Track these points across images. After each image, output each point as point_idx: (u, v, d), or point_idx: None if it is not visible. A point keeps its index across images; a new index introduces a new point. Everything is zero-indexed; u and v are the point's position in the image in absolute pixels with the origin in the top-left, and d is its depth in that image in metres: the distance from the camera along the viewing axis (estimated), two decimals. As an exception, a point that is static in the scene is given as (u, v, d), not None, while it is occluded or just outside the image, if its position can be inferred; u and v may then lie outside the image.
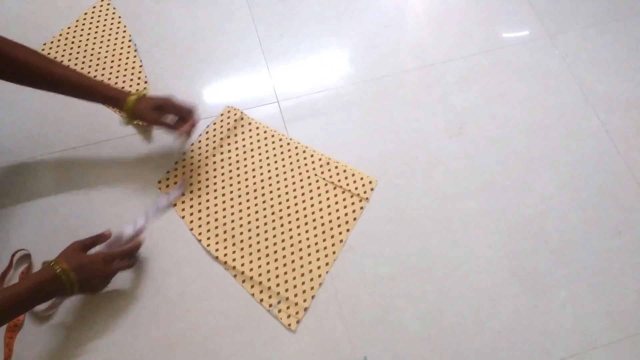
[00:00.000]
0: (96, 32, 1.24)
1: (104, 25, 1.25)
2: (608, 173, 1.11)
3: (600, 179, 1.10)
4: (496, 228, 1.05)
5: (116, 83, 1.17)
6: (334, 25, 1.28)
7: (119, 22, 1.25)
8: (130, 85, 1.17)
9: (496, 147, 1.13)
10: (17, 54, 0.90)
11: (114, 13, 1.26)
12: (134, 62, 1.20)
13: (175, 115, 1.02)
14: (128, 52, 1.21)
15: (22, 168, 1.07)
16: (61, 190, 1.05)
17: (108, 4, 1.27)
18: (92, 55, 1.20)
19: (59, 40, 1.22)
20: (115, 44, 1.22)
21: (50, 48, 1.20)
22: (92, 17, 1.26)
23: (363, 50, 1.26)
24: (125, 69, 1.19)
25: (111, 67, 1.19)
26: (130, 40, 1.23)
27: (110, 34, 1.24)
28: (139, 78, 1.18)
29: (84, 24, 1.24)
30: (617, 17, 1.31)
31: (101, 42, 1.22)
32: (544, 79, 1.22)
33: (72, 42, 1.22)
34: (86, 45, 1.22)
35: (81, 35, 1.23)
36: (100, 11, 1.26)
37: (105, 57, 1.20)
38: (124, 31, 1.24)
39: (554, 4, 1.33)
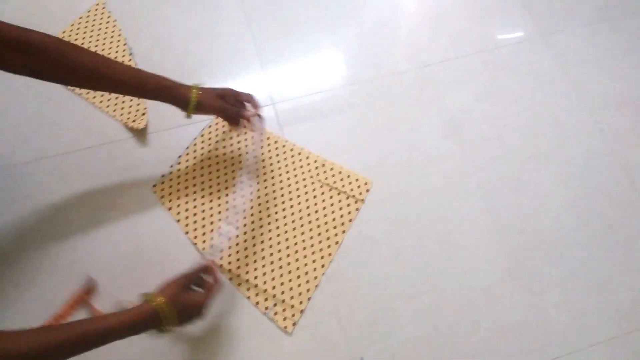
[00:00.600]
0: (91, 37, 1.24)
1: (99, 29, 1.25)
2: (602, 172, 1.12)
3: (594, 177, 1.11)
4: (491, 227, 1.05)
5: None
6: (329, 26, 1.29)
7: (114, 26, 1.25)
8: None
9: (491, 146, 1.14)
10: (84, 60, 0.87)
11: (109, 17, 1.26)
12: (129, 65, 1.20)
13: (235, 104, 1.00)
14: (123, 56, 1.21)
15: (17, 172, 1.07)
16: (56, 194, 1.05)
17: (103, 8, 1.28)
18: (87, 59, 1.20)
19: (54, 45, 1.22)
20: (110, 48, 1.22)
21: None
22: (87, 22, 1.26)
23: (358, 51, 1.26)
24: (121, 73, 1.19)
25: (106, 71, 1.19)
26: (125, 44, 1.23)
27: (105, 38, 1.24)
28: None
29: (79, 28, 1.25)
30: (610, 16, 1.32)
31: (96, 46, 1.22)
32: (538, 78, 1.23)
33: (68, 46, 1.22)
34: (81, 49, 1.22)
35: (76, 40, 1.23)
36: (95, 15, 1.27)
37: (101, 61, 1.20)
38: (119, 35, 1.24)
39: (547, 4, 1.33)
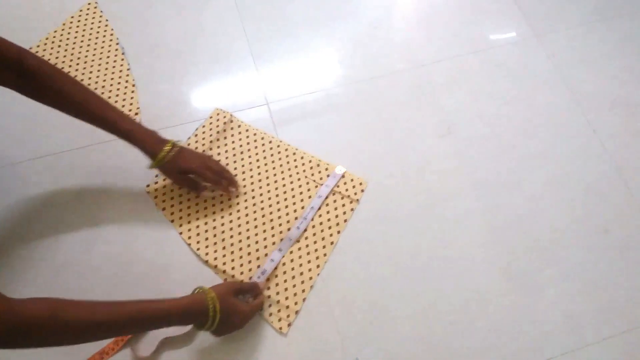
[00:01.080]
0: (83, 36, 1.23)
1: (91, 28, 1.24)
2: (596, 171, 1.12)
3: (588, 177, 1.11)
4: (486, 227, 1.05)
5: (103, 86, 1.16)
6: (323, 26, 1.29)
7: (106, 26, 1.24)
8: (118, 89, 1.16)
9: (485, 146, 1.14)
10: (72, 90, 0.90)
11: (100, 16, 1.26)
12: (121, 65, 1.19)
13: (208, 179, 1.02)
14: (115, 56, 1.20)
15: (9, 172, 1.06)
16: (49, 194, 1.04)
17: (95, 7, 1.27)
18: (79, 58, 1.20)
19: (45, 44, 1.21)
20: (102, 48, 1.22)
21: (37, 52, 1.19)
22: (79, 21, 1.25)
23: (352, 51, 1.26)
24: (113, 72, 1.18)
25: (98, 71, 1.18)
26: (117, 44, 1.22)
27: (97, 37, 1.23)
28: (127, 81, 1.17)
29: (70, 27, 1.24)
30: (603, 17, 1.32)
31: (88, 45, 1.22)
32: (532, 78, 1.23)
33: (59, 46, 1.21)
34: (73, 48, 1.21)
35: (68, 39, 1.22)
36: (87, 14, 1.26)
37: (93, 60, 1.20)
38: (111, 34, 1.23)
39: (540, 4, 1.34)
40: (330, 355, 0.93)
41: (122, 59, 1.20)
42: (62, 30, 1.23)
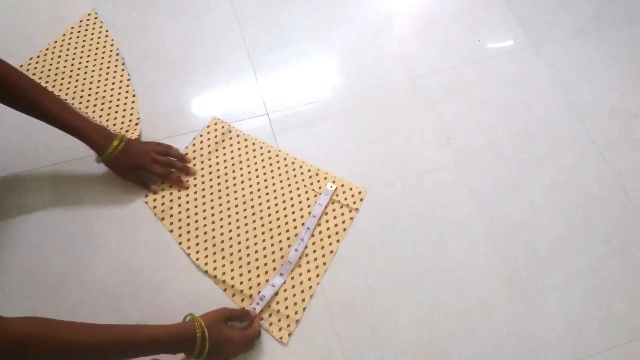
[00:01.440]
0: (83, 47, 1.23)
1: (91, 39, 1.24)
2: (595, 181, 1.12)
3: (587, 186, 1.11)
4: (486, 236, 1.05)
5: (104, 97, 1.16)
6: (322, 36, 1.29)
7: (106, 36, 1.25)
8: (119, 99, 1.16)
9: (484, 156, 1.14)
10: (10, 78, 0.90)
11: (101, 27, 1.26)
12: (121, 75, 1.19)
13: (156, 174, 1.03)
14: (116, 66, 1.21)
15: (9, 183, 1.06)
16: (49, 205, 1.04)
17: (95, 18, 1.27)
18: (79, 69, 1.20)
19: (45, 55, 1.21)
20: (102, 58, 1.22)
21: (37, 62, 1.20)
22: (79, 31, 1.25)
23: (351, 61, 1.26)
24: (113, 83, 1.18)
25: (99, 81, 1.18)
26: (117, 54, 1.22)
27: (97, 48, 1.23)
28: (127, 92, 1.17)
29: (70, 38, 1.24)
30: (600, 27, 1.33)
31: (88, 56, 1.22)
32: (530, 88, 1.24)
33: (59, 57, 1.21)
34: (73, 59, 1.21)
35: (68, 50, 1.22)
36: (87, 25, 1.26)
37: (93, 71, 1.20)
38: (112, 45, 1.24)
39: (538, 14, 1.35)
40: (331, 365, 0.92)
41: (123, 69, 1.20)
42: (63, 40, 1.24)
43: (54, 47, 1.22)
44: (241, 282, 0.98)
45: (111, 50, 1.23)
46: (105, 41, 1.24)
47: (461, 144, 1.15)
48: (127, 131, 1.11)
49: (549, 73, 1.26)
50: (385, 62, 1.26)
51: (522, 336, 0.96)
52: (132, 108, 1.15)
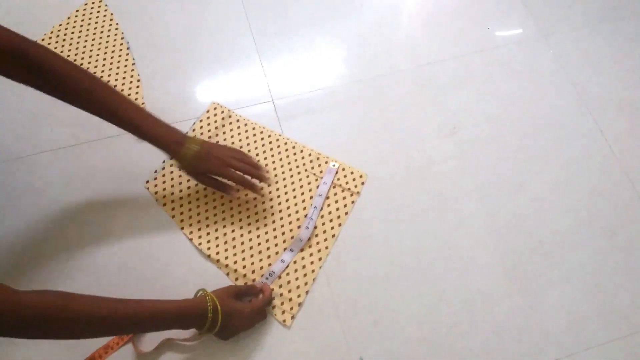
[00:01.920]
0: (88, 30, 1.22)
1: (96, 22, 1.23)
2: (602, 173, 1.11)
3: (594, 179, 1.11)
4: (490, 228, 1.04)
5: (108, 81, 1.15)
6: (329, 24, 1.28)
7: (111, 20, 1.24)
8: (123, 84, 1.15)
9: (490, 147, 1.13)
10: (79, 80, 0.86)
11: (105, 10, 1.25)
12: (126, 60, 1.19)
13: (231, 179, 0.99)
14: (120, 50, 1.20)
15: (14, 166, 1.06)
16: (53, 189, 1.04)
17: (100, 2, 1.26)
18: (84, 52, 1.19)
19: (50, 38, 1.20)
20: (107, 42, 1.21)
21: (41, 45, 1.19)
22: (83, 14, 1.24)
23: (357, 49, 1.25)
24: (118, 67, 1.18)
25: (103, 65, 1.18)
26: (122, 38, 1.21)
27: (102, 32, 1.22)
28: (132, 76, 1.17)
29: (75, 21, 1.23)
30: (610, 18, 1.32)
31: (93, 39, 1.21)
32: (538, 79, 1.22)
33: (64, 40, 1.20)
34: (77, 42, 1.20)
35: (72, 33, 1.22)
36: (92, 8, 1.25)
37: (98, 54, 1.19)
38: (116, 29, 1.23)
39: (547, 4, 1.33)
40: (335, 354, 0.92)
41: (127, 54, 1.20)
42: (67, 24, 1.23)
43: (59, 30, 1.22)
44: (244, 267, 0.98)
45: (116, 34, 1.22)
46: (110, 25, 1.23)
47: (467, 134, 1.14)
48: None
49: (558, 64, 1.24)
50: (392, 50, 1.25)
51: (525, 329, 0.96)
52: (137, 93, 1.14)
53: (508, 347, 0.94)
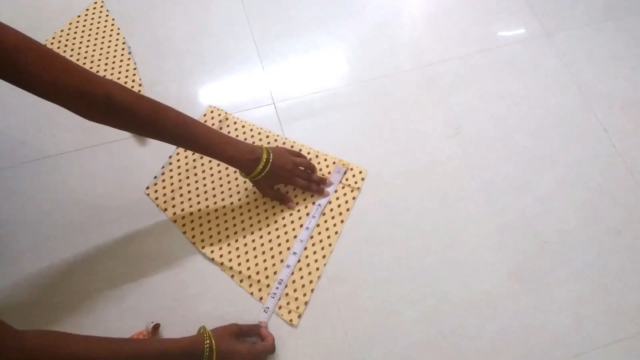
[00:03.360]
0: (89, 35, 1.23)
1: (97, 27, 1.24)
2: (607, 172, 1.10)
3: (599, 178, 1.09)
4: (495, 229, 1.04)
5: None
6: (330, 25, 1.28)
7: (112, 25, 1.24)
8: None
9: (494, 147, 1.12)
10: (164, 121, 0.85)
11: (107, 15, 1.25)
12: (127, 64, 1.19)
13: (299, 187, 1.03)
14: (122, 55, 1.20)
15: (17, 172, 1.06)
16: (56, 194, 1.04)
17: (101, 7, 1.26)
18: (85, 58, 1.19)
19: (51, 44, 1.21)
20: (109, 47, 1.21)
21: (43, 51, 1.19)
22: (85, 20, 1.25)
23: (360, 50, 1.25)
24: (120, 72, 1.18)
25: (105, 70, 1.18)
26: (124, 43, 1.22)
27: (104, 37, 1.23)
28: (133, 81, 1.17)
29: (77, 27, 1.24)
30: (614, 16, 1.30)
31: (94, 44, 1.21)
32: (542, 78, 1.21)
33: (66, 46, 1.21)
34: (79, 48, 1.21)
35: (74, 38, 1.22)
36: (93, 14, 1.26)
37: (99, 60, 1.19)
38: (118, 34, 1.23)
39: (551, 2, 1.32)
40: (339, 356, 0.92)
41: (129, 59, 1.20)
42: (69, 29, 1.23)
43: (60, 36, 1.22)
44: (248, 268, 0.98)
45: (117, 39, 1.22)
46: (112, 30, 1.23)
47: (471, 134, 1.14)
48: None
49: (561, 62, 1.23)
50: (395, 50, 1.25)
51: (530, 329, 0.95)
52: None
53: (514, 348, 0.93)
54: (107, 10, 1.26)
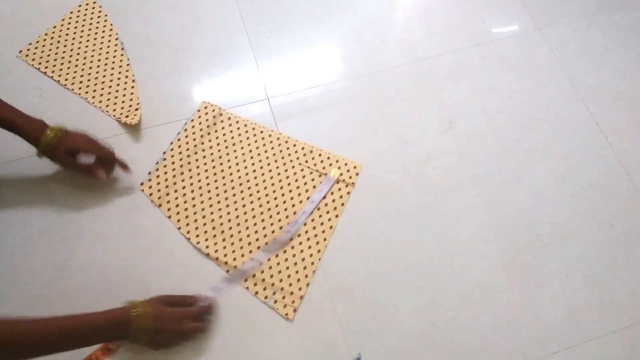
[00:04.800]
0: (82, 31, 1.22)
1: (90, 24, 1.23)
2: (599, 165, 1.11)
3: (591, 171, 1.10)
4: (488, 222, 1.04)
5: (103, 82, 1.15)
6: (324, 21, 1.28)
7: (105, 21, 1.24)
8: (118, 84, 1.15)
9: (487, 141, 1.13)
10: None
11: (100, 12, 1.25)
12: (121, 60, 1.18)
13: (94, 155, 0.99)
14: (115, 51, 1.20)
15: (10, 168, 1.06)
16: (50, 192, 1.04)
17: (94, 3, 1.26)
18: (78, 54, 1.19)
19: (44, 40, 1.20)
20: (102, 43, 1.21)
21: (36, 48, 1.19)
22: (77, 16, 1.24)
23: (353, 45, 1.25)
24: (113, 68, 1.17)
25: (98, 67, 1.18)
26: (117, 39, 1.21)
27: (96, 33, 1.22)
28: (126, 77, 1.16)
29: (69, 23, 1.23)
30: (605, 9, 1.31)
31: (87, 40, 1.21)
32: (534, 72, 1.22)
33: (58, 42, 1.20)
34: (72, 44, 1.20)
35: (67, 35, 1.21)
36: (86, 10, 1.25)
37: (92, 56, 1.19)
38: (111, 30, 1.23)
39: (543, -3, 1.33)
40: (334, 350, 0.92)
41: (122, 54, 1.19)
42: (62, 25, 1.23)
43: (53, 32, 1.21)
44: (243, 263, 0.98)
45: (110, 35, 1.22)
46: (105, 26, 1.23)
47: (464, 129, 1.14)
48: (127, 117, 1.11)
49: (554, 57, 1.24)
50: (388, 45, 1.25)
51: (524, 322, 0.96)
52: (132, 93, 1.14)
53: (507, 341, 0.94)
54: (100, 7, 1.26)
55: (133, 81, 1.16)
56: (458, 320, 0.95)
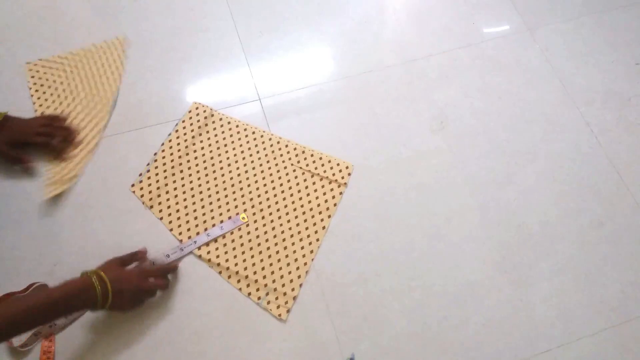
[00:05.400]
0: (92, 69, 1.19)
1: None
2: (589, 164, 1.12)
3: (581, 170, 1.11)
4: (479, 222, 1.05)
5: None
6: (315, 21, 1.28)
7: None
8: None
9: (478, 141, 1.14)
10: None
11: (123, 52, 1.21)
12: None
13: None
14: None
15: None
16: (39, 194, 1.03)
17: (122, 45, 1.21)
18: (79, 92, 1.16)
19: (55, 62, 1.18)
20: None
21: (43, 66, 1.17)
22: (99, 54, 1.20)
23: (344, 46, 1.25)
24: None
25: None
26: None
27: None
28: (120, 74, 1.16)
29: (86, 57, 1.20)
30: (595, 10, 1.32)
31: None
32: (524, 72, 1.23)
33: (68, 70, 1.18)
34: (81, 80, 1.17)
35: (77, 67, 1.18)
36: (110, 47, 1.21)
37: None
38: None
39: (533, -2, 1.34)
40: (327, 351, 0.92)
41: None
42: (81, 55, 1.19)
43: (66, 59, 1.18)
44: (236, 264, 0.98)
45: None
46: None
47: (455, 129, 1.15)
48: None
49: (544, 57, 1.25)
50: (379, 46, 1.25)
51: (515, 320, 0.96)
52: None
53: (498, 339, 0.94)
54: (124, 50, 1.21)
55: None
56: (449, 320, 0.96)
